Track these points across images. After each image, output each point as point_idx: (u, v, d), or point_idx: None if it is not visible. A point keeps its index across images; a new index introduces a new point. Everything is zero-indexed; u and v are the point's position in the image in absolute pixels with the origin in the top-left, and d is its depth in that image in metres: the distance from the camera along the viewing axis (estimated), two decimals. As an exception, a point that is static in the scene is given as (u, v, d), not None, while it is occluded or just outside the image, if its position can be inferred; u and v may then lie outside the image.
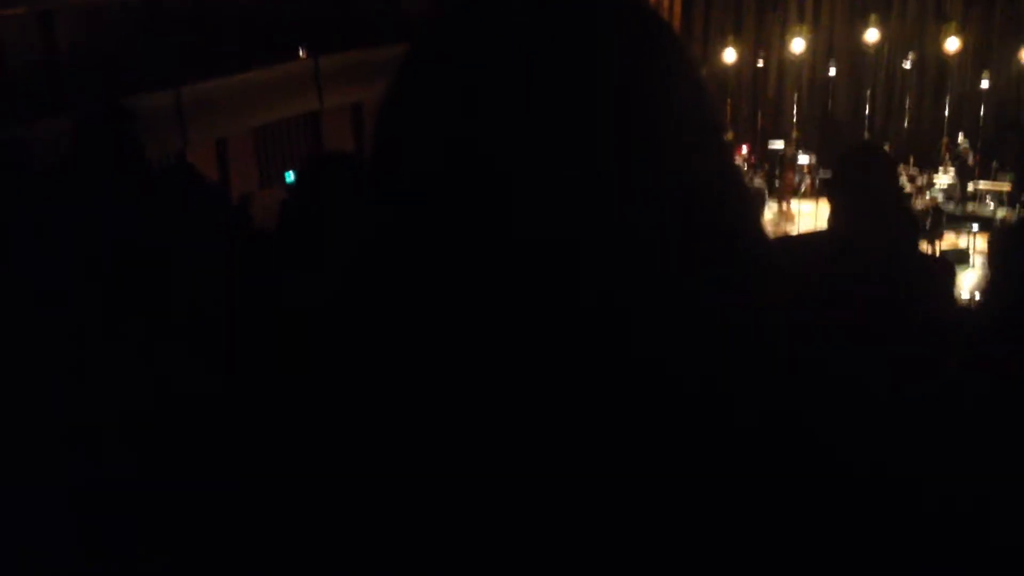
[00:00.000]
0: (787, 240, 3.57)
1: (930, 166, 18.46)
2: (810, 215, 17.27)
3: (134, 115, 3.41)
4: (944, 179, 17.84)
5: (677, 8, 20.71)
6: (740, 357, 0.70)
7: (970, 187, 17.75)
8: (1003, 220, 16.29)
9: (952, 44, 19.06)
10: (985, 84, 19.01)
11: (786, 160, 18.88)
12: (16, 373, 2.19)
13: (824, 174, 17.49)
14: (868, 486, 0.75)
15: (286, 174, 15.98)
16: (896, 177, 3.44)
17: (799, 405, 0.72)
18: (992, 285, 2.83)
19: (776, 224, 16.79)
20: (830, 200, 3.12)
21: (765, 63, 20.69)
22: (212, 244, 2.43)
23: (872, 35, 19.57)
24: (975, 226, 16.31)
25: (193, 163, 3.62)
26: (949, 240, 16.24)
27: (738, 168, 0.80)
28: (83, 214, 2.79)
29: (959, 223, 16.64)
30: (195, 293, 2.37)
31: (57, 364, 2.21)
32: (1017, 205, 16.77)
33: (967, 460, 2.05)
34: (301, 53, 17.43)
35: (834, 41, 20.37)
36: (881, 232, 2.88)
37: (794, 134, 19.94)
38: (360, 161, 2.82)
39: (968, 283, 14.16)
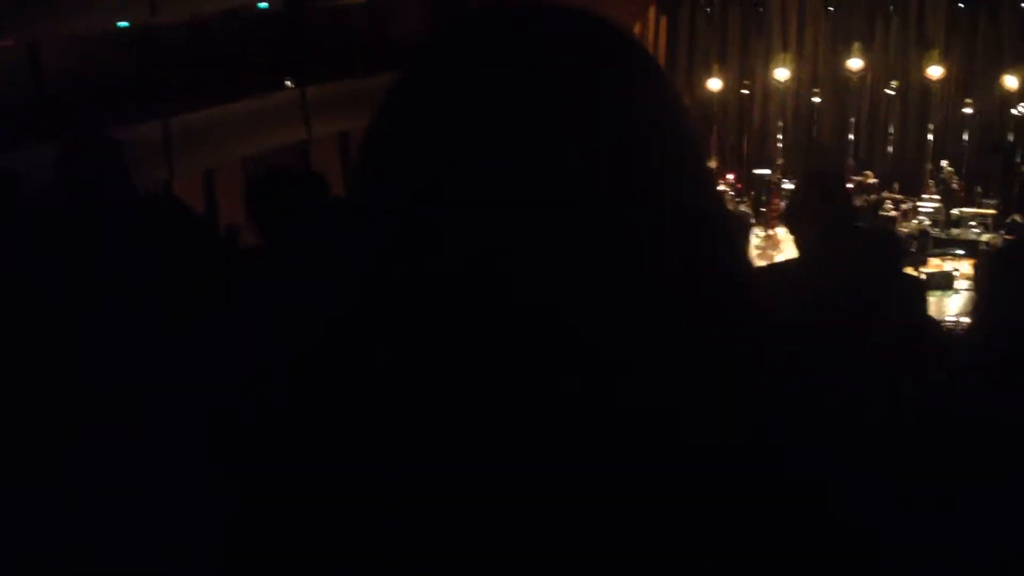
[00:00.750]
0: (762, 269, 3.59)
1: (914, 191, 18.54)
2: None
3: (120, 145, 3.41)
4: (929, 204, 17.92)
5: (662, 38, 20.83)
6: (726, 383, 0.70)
7: (955, 212, 17.82)
8: (989, 244, 16.36)
9: (935, 71, 19.21)
10: (968, 110, 19.15)
11: (772, 187, 18.94)
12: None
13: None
14: (851, 513, 0.75)
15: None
16: (850, 202, 3.47)
17: (783, 429, 0.73)
18: (978, 308, 2.85)
19: (763, 250, 16.82)
20: (790, 231, 3.15)
21: (750, 91, 20.80)
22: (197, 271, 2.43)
23: (855, 63, 19.72)
24: (960, 251, 16.37)
25: (178, 195, 3.63)
26: (934, 264, 16.29)
27: (721, 195, 0.81)
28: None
29: (944, 247, 16.70)
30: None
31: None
32: (1002, 230, 16.83)
33: (949, 479, 2.06)
34: (288, 83, 17.47)
35: (818, 69, 20.51)
36: (841, 256, 2.90)
37: (779, 161, 20.03)
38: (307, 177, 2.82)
39: (953, 307, 14.20)
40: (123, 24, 14.56)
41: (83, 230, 2.87)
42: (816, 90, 20.27)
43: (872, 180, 18.71)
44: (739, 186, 19.88)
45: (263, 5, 16.97)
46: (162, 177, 14.25)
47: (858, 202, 18.03)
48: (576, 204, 0.69)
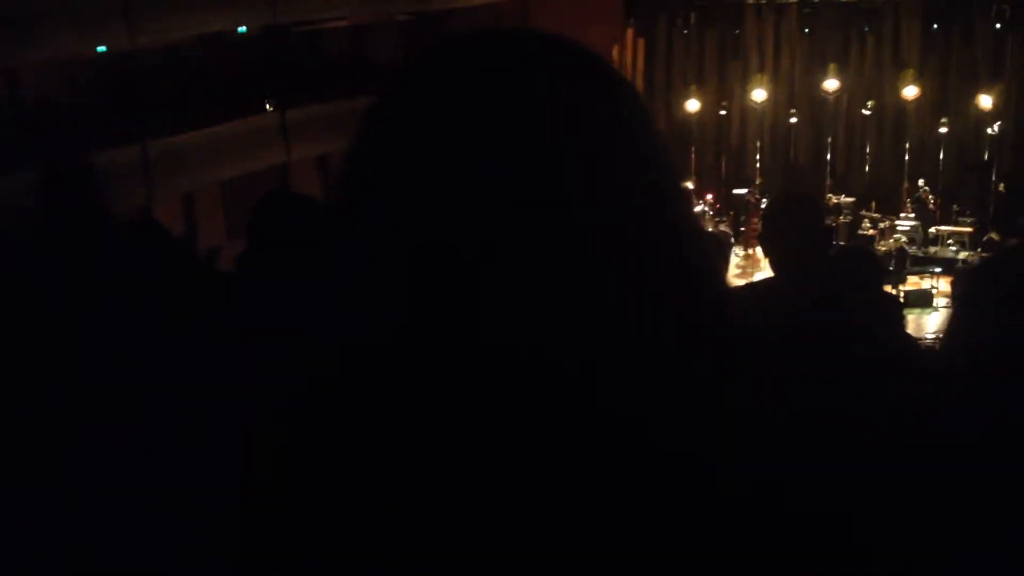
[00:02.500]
0: (739, 289, 3.60)
1: (892, 210, 18.69)
2: (775, 260, 17.36)
3: (97, 170, 3.40)
4: (906, 223, 18.06)
5: (640, 60, 20.96)
6: (705, 406, 0.70)
7: (932, 230, 17.96)
8: (966, 262, 16.49)
9: (910, 91, 19.39)
10: (944, 129, 19.33)
11: (751, 206, 19.04)
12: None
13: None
14: (836, 533, 0.75)
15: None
16: (821, 221, 3.49)
17: (766, 452, 0.73)
18: (954, 324, 2.87)
19: (743, 269, 16.90)
20: (763, 251, 3.17)
21: (728, 112, 20.94)
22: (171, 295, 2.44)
23: (831, 83, 19.89)
24: (938, 268, 16.51)
25: (157, 218, 3.63)
26: (912, 282, 16.41)
27: (698, 217, 0.81)
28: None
29: (922, 265, 16.83)
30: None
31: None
32: (979, 247, 16.97)
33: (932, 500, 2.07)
34: (268, 107, 17.47)
35: (794, 89, 20.68)
36: (816, 275, 2.91)
37: (758, 180, 20.15)
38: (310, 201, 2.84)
39: (931, 325, 14.29)
40: (102, 49, 14.53)
41: (62, 256, 2.88)
42: (793, 111, 20.43)
43: (849, 199, 18.86)
44: (718, 206, 20.00)
45: (242, 30, 16.98)
46: (141, 201, 14.21)
47: (837, 221, 18.19)
48: (557, 223, 0.70)
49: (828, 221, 15.49)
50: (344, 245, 0.76)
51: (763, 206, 18.88)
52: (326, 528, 0.72)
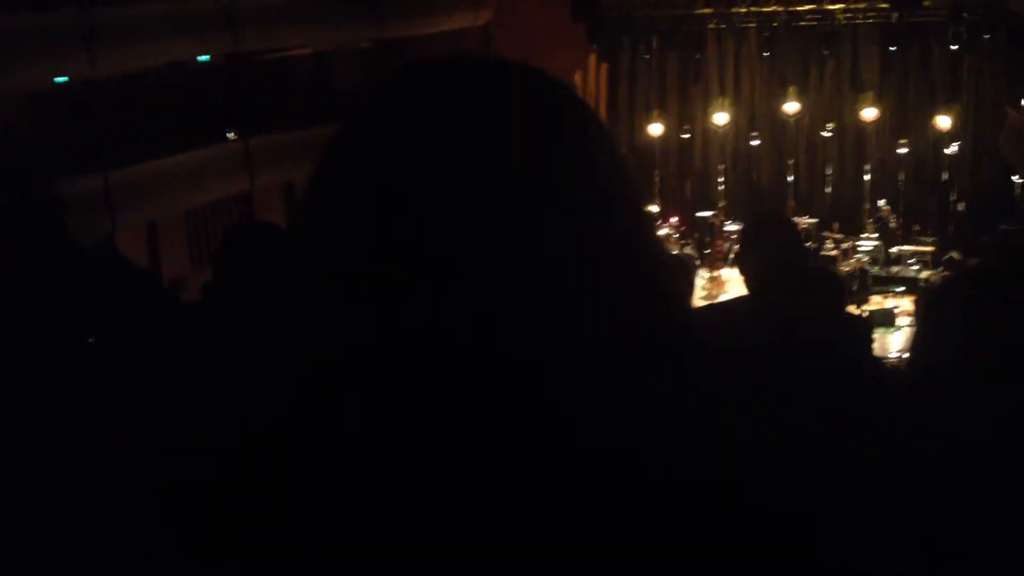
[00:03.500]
0: (708, 308, 3.62)
1: (853, 230, 18.87)
2: (740, 281, 17.48)
3: (58, 200, 3.38)
4: (868, 243, 18.24)
5: (603, 85, 21.11)
6: (671, 420, 0.71)
7: (893, 250, 18.15)
8: (928, 281, 16.68)
9: (869, 113, 19.65)
10: (903, 150, 19.58)
11: (715, 228, 19.18)
12: None
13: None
14: (810, 544, 0.76)
15: (218, 256, 15.79)
16: (798, 241, 3.52)
17: (733, 464, 0.74)
18: (917, 343, 2.90)
19: (708, 290, 16.99)
20: (740, 271, 3.20)
21: (690, 135, 21.11)
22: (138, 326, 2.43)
23: (792, 106, 20.11)
24: (900, 288, 16.68)
25: (118, 248, 3.61)
26: (875, 302, 16.56)
27: (660, 239, 0.82)
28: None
29: (884, 285, 17.00)
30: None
31: None
32: (940, 266, 17.18)
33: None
34: (230, 135, 17.42)
35: (756, 112, 20.88)
36: (791, 294, 2.94)
37: (721, 203, 20.30)
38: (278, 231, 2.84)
39: (895, 344, 14.41)
40: (62, 79, 14.45)
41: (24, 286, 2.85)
42: (754, 133, 20.63)
43: (812, 220, 19.05)
44: (683, 229, 20.13)
45: (204, 58, 16.94)
46: (104, 230, 14.10)
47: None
48: (519, 238, 0.71)
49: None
50: (313, 254, 0.77)
51: (727, 228, 19.06)
52: (315, 528, 0.73)
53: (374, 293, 0.72)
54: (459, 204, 0.72)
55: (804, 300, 3.08)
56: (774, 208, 18.71)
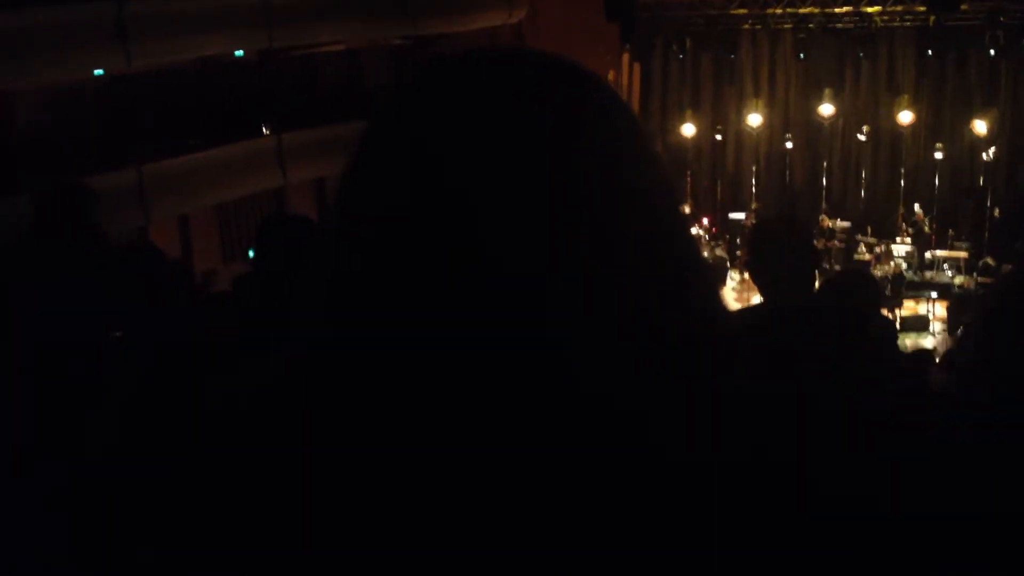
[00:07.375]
0: (733, 312, 3.59)
1: (887, 235, 18.74)
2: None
3: (93, 193, 3.40)
4: (901, 248, 18.10)
5: (636, 85, 21.07)
6: (704, 401, 0.71)
7: (928, 255, 18.00)
8: (962, 286, 16.52)
9: (905, 116, 19.48)
10: (939, 155, 19.40)
11: (746, 231, 19.09)
12: None
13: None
14: (851, 512, 0.76)
15: (250, 251, 15.91)
16: (808, 242, 3.46)
17: (773, 444, 0.74)
18: (957, 355, 2.86)
19: (739, 293, 16.93)
20: (751, 276, 3.17)
21: (723, 136, 21.03)
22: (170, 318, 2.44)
23: (827, 108, 19.98)
24: (934, 293, 16.52)
25: (152, 240, 3.63)
26: (909, 307, 16.43)
27: (694, 237, 0.82)
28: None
29: (918, 290, 16.85)
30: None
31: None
32: (975, 272, 17.01)
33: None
34: (264, 130, 17.52)
35: (790, 114, 20.77)
36: (803, 297, 2.91)
37: (753, 205, 20.20)
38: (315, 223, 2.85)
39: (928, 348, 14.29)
40: (99, 72, 14.57)
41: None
42: (788, 135, 20.51)
43: (845, 224, 18.93)
44: (714, 230, 20.06)
45: (239, 53, 17.04)
46: (137, 223, 14.22)
47: (832, 245, 18.23)
48: (550, 234, 0.71)
49: (816, 243, 15.51)
50: (336, 242, 0.77)
51: (758, 231, 18.96)
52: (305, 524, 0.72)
53: (411, 275, 0.71)
54: (496, 187, 0.71)
55: (828, 304, 3.05)
56: (785, 210, 18.59)
